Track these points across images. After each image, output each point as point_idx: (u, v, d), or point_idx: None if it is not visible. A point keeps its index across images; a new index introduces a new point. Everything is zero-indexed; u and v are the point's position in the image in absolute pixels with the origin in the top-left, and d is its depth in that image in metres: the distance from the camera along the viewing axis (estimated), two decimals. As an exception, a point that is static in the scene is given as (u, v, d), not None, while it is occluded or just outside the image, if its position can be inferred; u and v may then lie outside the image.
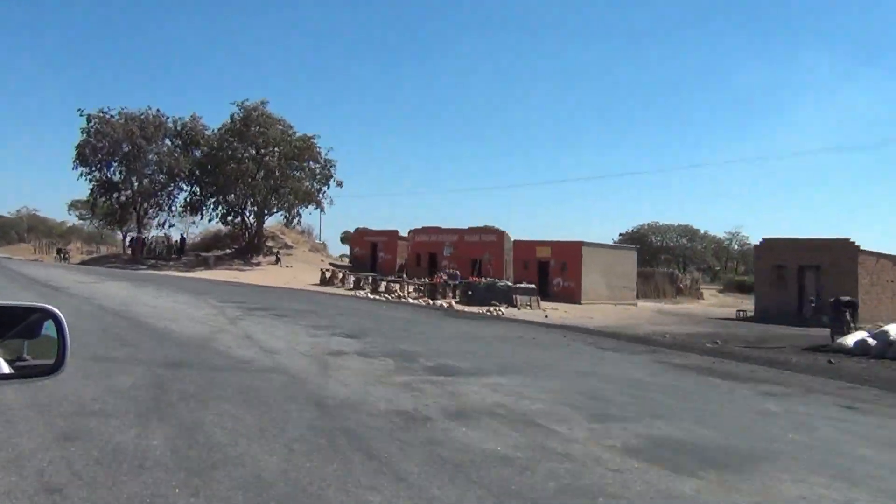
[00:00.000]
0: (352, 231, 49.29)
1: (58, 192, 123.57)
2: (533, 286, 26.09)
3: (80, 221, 59.96)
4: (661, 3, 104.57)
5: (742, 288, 49.09)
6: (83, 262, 43.33)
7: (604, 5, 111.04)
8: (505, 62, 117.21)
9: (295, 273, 38.25)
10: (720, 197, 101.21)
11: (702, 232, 68.18)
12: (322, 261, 45.66)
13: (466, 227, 38.91)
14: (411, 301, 24.47)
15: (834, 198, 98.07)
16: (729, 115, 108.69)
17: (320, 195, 43.11)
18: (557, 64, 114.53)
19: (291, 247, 46.02)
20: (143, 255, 43.24)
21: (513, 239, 36.11)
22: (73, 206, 58.60)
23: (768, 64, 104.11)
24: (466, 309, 22.35)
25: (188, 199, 45.06)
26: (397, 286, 28.35)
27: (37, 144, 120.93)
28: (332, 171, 43.00)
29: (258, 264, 42.04)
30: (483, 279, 29.09)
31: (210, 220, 45.44)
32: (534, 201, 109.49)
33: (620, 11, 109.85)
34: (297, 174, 42.21)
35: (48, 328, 1.92)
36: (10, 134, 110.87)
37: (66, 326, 1.89)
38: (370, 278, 30.38)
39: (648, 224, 68.29)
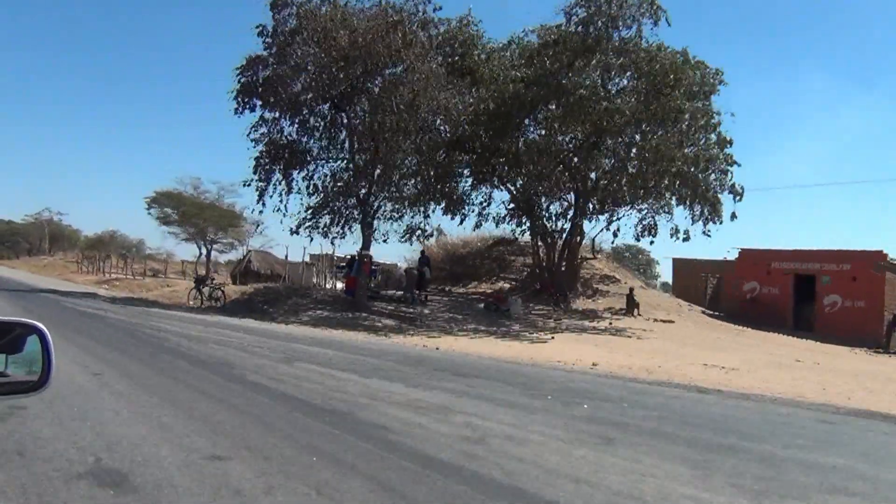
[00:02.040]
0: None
1: (76, 191, 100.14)
2: None
3: (164, 226, 35.68)
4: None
5: None
6: (235, 304, 20.98)
7: None
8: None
9: (727, 351, 17.14)
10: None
11: None
12: (688, 308, 24.39)
13: None
14: None
15: None
16: None
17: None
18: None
19: (617, 280, 24.76)
20: (374, 290, 21.17)
21: None
22: (155, 201, 35.45)
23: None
24: None
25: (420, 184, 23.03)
26: None
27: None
28: (730, 140, 21.70)
29: (587, 316, 20.72)
30: None
31: (476, 227, 23.83)
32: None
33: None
34: (703, 139, 20.93)
35: (32, 343, 1.80)
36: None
37: (51, 342, 1.79)
38: None
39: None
